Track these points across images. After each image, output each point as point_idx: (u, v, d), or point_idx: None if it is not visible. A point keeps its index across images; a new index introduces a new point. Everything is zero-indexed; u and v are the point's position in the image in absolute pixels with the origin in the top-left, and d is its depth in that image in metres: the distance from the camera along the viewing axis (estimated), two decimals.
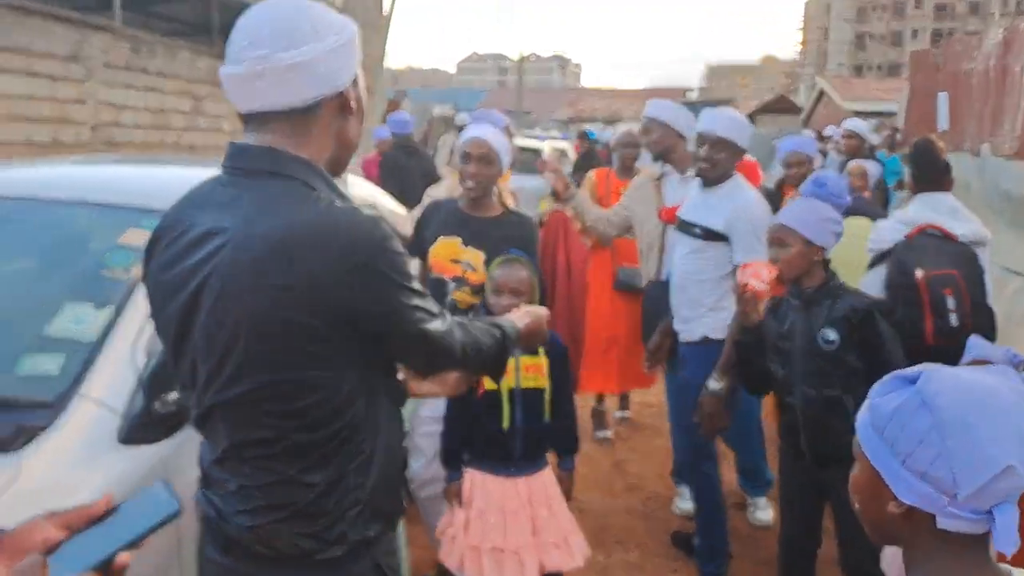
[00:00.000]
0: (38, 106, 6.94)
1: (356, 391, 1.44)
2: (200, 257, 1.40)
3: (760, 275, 2.80)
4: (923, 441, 1.11)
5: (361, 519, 1.50)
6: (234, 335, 1.37)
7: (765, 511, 4.21)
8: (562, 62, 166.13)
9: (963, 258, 3.34)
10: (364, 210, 1.45)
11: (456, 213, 3.32)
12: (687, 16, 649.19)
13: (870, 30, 79.44)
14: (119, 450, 1.97)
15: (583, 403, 4.76)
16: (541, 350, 2.84)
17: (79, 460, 1.90)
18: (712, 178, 3.44)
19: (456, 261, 3.21)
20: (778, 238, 2.85)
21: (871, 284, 3.55)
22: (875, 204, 5.75)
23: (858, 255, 3.89)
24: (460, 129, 10.50)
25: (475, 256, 3.19)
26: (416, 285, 1.48)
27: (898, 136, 8.48)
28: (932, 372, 1.16)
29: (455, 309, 3.15)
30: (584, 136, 12.21)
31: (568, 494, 2.96)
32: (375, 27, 20.02)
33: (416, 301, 1.47)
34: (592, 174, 5.42)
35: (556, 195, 4.11)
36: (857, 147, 6.71)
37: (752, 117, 23.83)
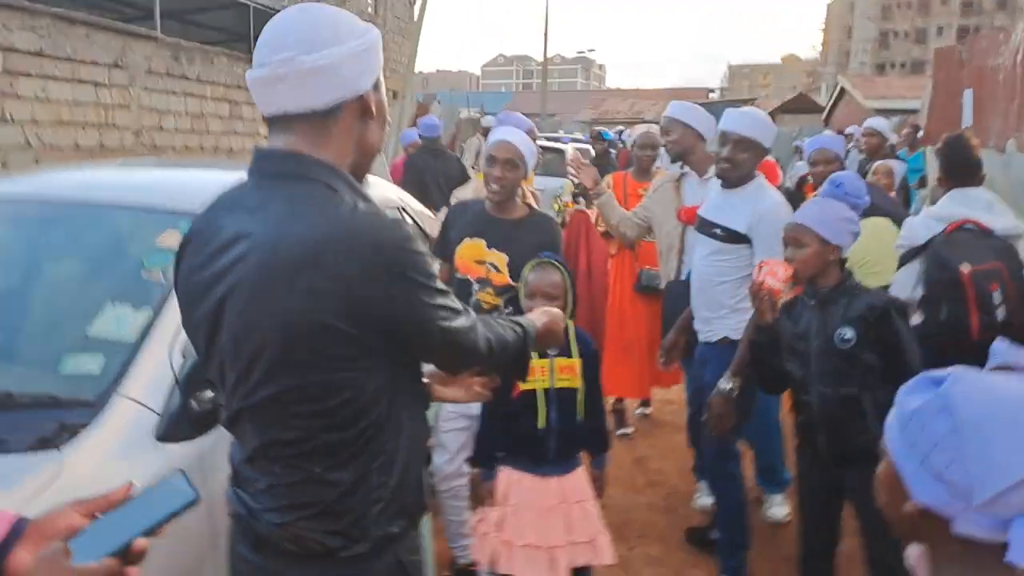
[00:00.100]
0: (84, 111, 7.15)
1: (381, 390, 1.46)
2: (227, 261, 1.42)
3: (776, 273, 2.79)
4: (939, 444, 1.09)
5: (384, 516, 1.51)
6: (262, 338, 1.39)
7: (780, 508, 4.22)
8: (586, 64, 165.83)
9: (1005, 252, 3.32)
10: (387, 212, 1.47)
11: (481, 215, 3.34)
12: (709, 16, 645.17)
13: (894, 27, 78.64)
14: (156, 447, 2.01)
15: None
16: (575, 351, 2.88)
17: (118, 457, 1.94)
18: (733, 179, 3.40)
19: (480, 262, 3.25)
20: (794, 237, 2.85)
21: (904, 281, 3.53)
22: (899, 203, 5.73)
23: (885, 254, 3.88)
24: (486, 131, 10.56)
25: (499, 258, 3.22)
26: (439, 284, 1.49)
27: (919, 133, 8.42)
28: (960, 375, 1.12)
29: (479, 309, 3.19)
30: (599, 137, 12.18)
31: (601, 492, 3.01)
32: (405, 33, 20.13)
33: (439, 300, 1.48)
34: (609, 178, 5.44)
35: (585, 191, 4.16)
36: (878, 146, 6.67)
37: (773, 116, 23.60)
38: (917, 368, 2.72)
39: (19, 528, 1.07)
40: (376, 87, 1.53)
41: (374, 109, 1.51)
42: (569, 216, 5.60)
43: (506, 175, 3.23)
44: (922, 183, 7.14)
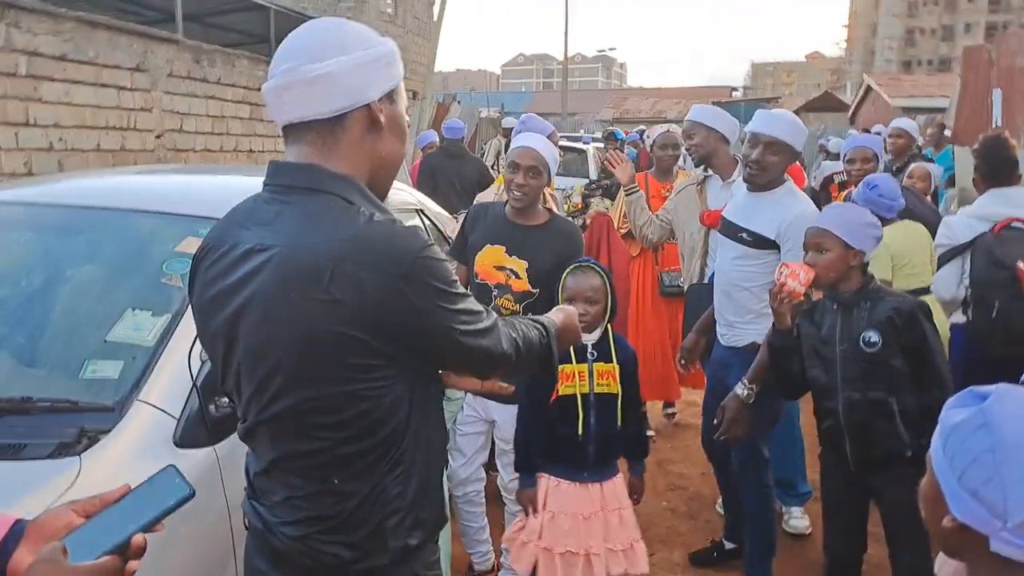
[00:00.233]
0: (106, 114, 7.20)
1: (399, 401, 1.45)
2: (244, 274, 1.42)
3: (798, 276, 2.75)
4: (977, 460, 1.07)
5: (402, 528, 1.50)
6: (278, 350, 1.39)
7: (800, 520, 4.14)
8: (607, 62, 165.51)
9: None
10: (404, 221, 1.46)
11: (502, 220, 3.31)
12: (732, 14, 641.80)
13: (920, 24, 77.86)
14: (175, 453, 2.01)
15: None
16: (613, 355, 2.86)
17: (137, 462, 1.93)
18: (762, 182, 3.30)
19: (500, 268, 3.24)
20: (816, 242, 2.82)
21: (947, 280, 3.56)
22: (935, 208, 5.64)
23: (920, 256, 3.89)
24: (507, 132, 10.56)
25: (519, 264, 3.20)
26: (459, 289, 1.48)
27: (946, 132, 8.29)
28: (1004, 392, 1.12)
29: (498, 314, 3.18)
30: (611, 137, 12.15)
31: (639, 500, 2.99)
32: (425, 33, 20.18)
33: (460, 304, 1.47)
34: None
35: (607, 189, 4.15)
36: (905, 146, 6.56)
37: (797, 114, 23.50)
38: (944, 370, 2.70)
39: (18, 530, 1.07)
40: (391, 99, 1.52)
41: (383, 120, 1.49)
42: (588, 218, 5.58)
43: (529, 182, 3.20)
44: (951, 182, 7.03)
